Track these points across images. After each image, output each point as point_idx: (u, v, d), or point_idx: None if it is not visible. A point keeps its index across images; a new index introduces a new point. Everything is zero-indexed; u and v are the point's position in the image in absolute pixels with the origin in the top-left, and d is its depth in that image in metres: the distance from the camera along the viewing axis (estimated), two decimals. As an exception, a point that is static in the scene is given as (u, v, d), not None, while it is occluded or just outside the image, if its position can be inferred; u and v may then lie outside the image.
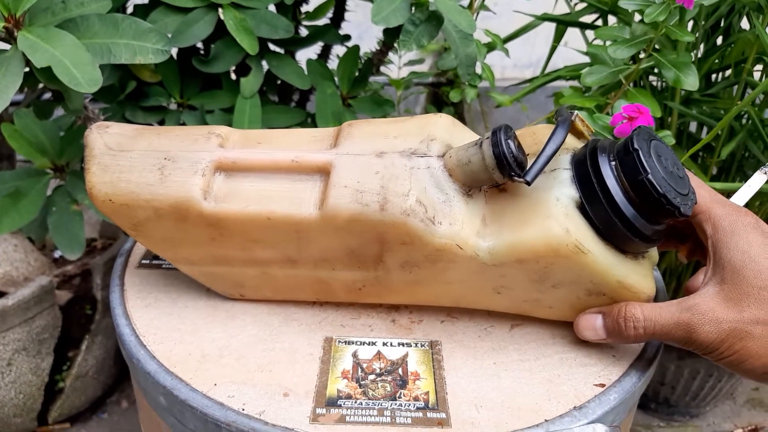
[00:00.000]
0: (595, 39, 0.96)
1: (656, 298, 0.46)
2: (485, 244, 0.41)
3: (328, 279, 0.46)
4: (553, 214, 0.40)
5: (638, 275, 0.43)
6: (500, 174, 0.40)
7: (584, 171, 0.41)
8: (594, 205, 0.40)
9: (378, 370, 0.44)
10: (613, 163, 0.41)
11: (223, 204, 0.43)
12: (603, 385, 0.44)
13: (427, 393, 0.43)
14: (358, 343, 0.47)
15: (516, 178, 0.40)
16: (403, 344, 0.47)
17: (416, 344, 0.47)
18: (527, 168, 0.40)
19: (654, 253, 0.45)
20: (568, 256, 0.40)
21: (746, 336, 0.39)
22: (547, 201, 0.40)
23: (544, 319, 0.48)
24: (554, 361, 0.46)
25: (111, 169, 0.44)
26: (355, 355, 0.46)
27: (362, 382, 0.43)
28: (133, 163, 0.43)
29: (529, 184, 0.39)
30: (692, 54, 0.81)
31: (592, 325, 0.44)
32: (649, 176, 0.39)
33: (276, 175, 0.43)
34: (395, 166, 0.41)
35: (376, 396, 0.42)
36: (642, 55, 0.67)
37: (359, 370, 0.44)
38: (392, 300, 0.49)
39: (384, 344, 0.47)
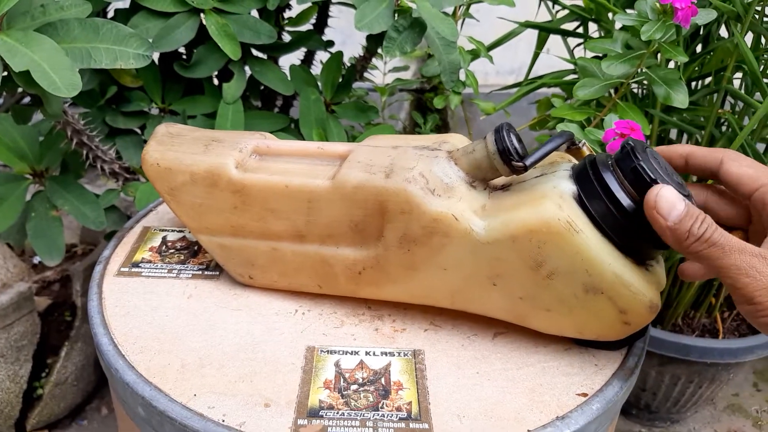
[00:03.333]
0: (576, 48, 0.97)
1: None
2: (481, 221, 0.43)
3: (332, 259, 0.48)
4: (548, 195, 0.41)
5: (640, 278, 0.42)
6: (500, 160, 0.42)
7: (582, 168, 0.42)
8: (591, 197, 0.41)
9: (361, 380, 0.44)
10: (611, 161, 0.42)
11: (250, 173, 0.48)
12: (585, 395, 0.44)
13: (409, 403, 0.42)
14: (341, 352, 0.47)
15: (515, 162, 0.42)
16: (386, 353, 0.47)
17: (399, 353, 0.47)
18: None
19: (661, 276, 0.45)
20: (561, 233, 0.40)
21: None
22: (544, 188, 0.42)
23: (534, 330, 0.48)
24: (537, 370, 0.46)
25: (165, 144, 0.51)
26: (337, 364, 0.45)
27: (344, 393, 0.43)
28: (185, 141, 0.51)
29: (526, 168, 0.42)
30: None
31: (674, 201, 0.38)
32: (641, 163, 0.40)
33: (302, 159, 0.50)
34: (407, 152, 0.46)
35: (358, 406, 0.42)
36: (632, 69, 0.68)
37: (342, 379, 0.44)
38: (389, 294, 0.49)
39: (367, 353, 0.47)
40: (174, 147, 0.51)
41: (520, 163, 0.42)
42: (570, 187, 0.42)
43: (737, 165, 0.42)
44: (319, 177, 0.47)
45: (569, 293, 0.43)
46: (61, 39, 0.64)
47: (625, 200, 0.40)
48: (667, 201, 0.38)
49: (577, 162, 0.45)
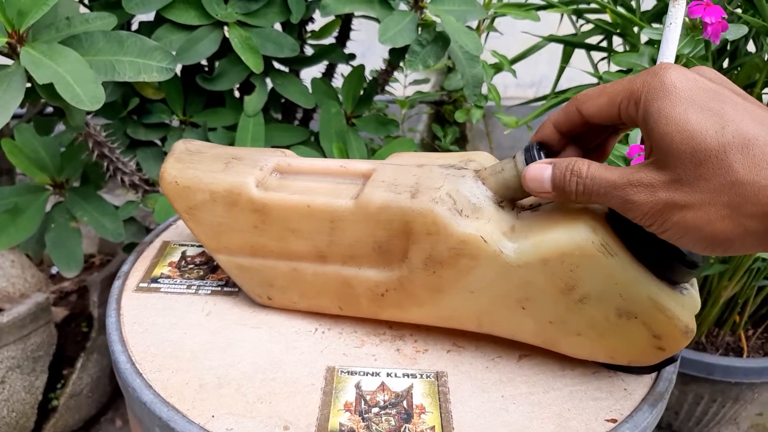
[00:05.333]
0: (600, 62, 0.95)
1: None
2: (510, 244, 0.41)
3: (353, 281, 0.47)
4: (581, 217, 0.40)
5: (675, 302, 0.41)
6: None
7: None
8: (624, 218, 0.38)
9: (382, 403, 0.43)
10: None
11: (272, 192, 0.47)
12: (615, 421, 0.42)
13: (433, 428, 0.41)
14: (362, 373, 0.45)
15: None
16: (408, 375, 0.46)
17: (421, 375, 0.46)
18: None
19: (696, 300, 0.43)
20: (594, 256, 0.39)
21: (683, 207, 0.33)
22: (576, 211, 0.41)
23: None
24: (564, 394, 0.44)
25: (184, 161, 0.50)
26: (358, 386, 0.44)
27: (365, 416, 0.42)
28: (204, 159, 0.50)
29: None
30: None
31: (540, 175, 0.39)
32: None
33: (324, 178, 0.49)
34: (432, 171, 0.45)
35: (380, 431, 0.41)
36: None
37: (362, 402, 0.43)
38: (413, 316, 0.48)
39: (388, 375, 0.45)
40: (193, 165, 0.50)
41: None
42: (602, 208, 0.40)
43: (591, 105, 0.39)
44: (341, 196, 0.46)
45: (601, 317, 0.42)
46: (85, 51, 0.64)
47: None
48: (534, 178, 0.39)
49: None
